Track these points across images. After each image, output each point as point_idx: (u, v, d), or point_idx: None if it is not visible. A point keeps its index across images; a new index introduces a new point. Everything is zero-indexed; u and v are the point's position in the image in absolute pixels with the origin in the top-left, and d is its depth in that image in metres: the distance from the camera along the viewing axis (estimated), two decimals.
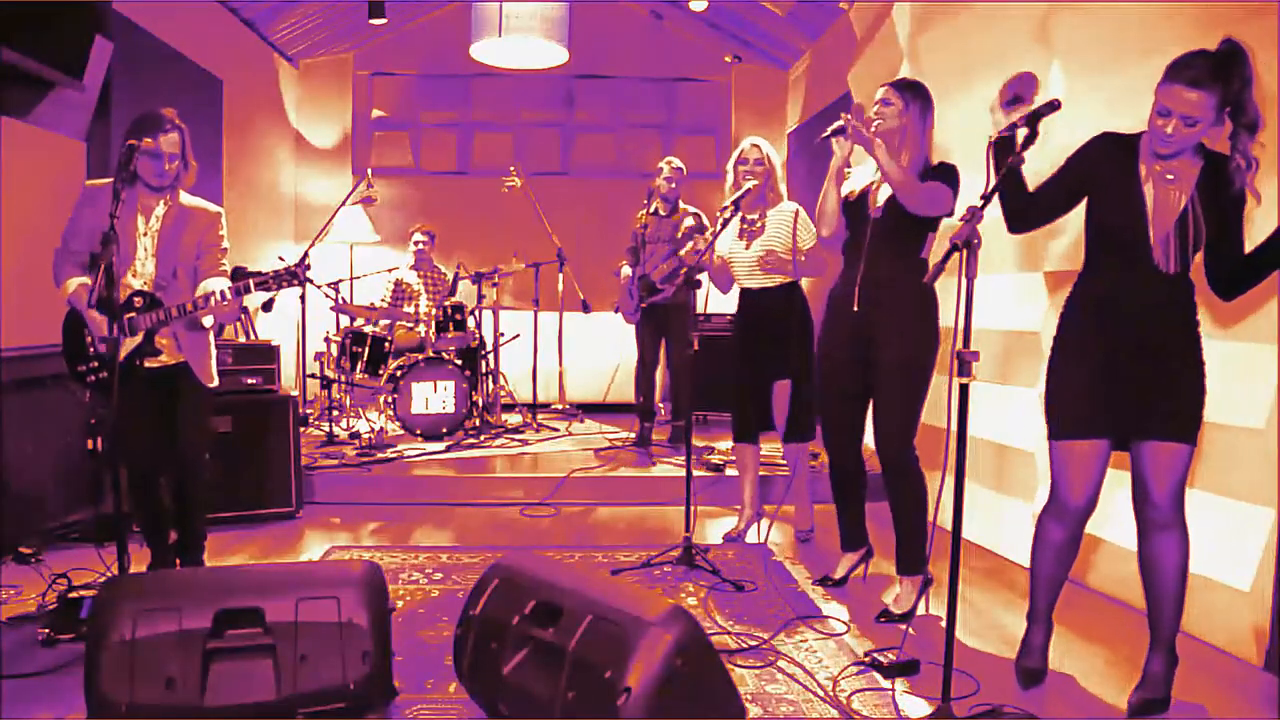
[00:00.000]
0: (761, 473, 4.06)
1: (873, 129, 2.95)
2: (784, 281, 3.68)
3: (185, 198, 3.04)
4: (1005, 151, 2.35)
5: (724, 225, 3.60)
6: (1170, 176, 2.29)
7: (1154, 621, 2.41)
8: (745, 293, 3.79)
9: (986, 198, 2.25)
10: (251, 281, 2.85)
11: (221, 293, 2.85)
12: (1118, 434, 2.39)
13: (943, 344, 4.31)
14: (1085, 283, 2.45)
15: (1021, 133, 2.26)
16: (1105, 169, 2.37)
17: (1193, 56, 2.18)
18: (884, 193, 2.99)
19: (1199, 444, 2.35)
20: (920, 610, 3.04)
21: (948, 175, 2.93)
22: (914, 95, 2.96)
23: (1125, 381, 2.34)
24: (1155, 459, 2.33)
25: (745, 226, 3.72)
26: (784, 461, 4.82)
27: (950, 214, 2.94)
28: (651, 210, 5.12)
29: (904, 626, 2.85)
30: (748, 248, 3.69)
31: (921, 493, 3.02)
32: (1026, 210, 2.49)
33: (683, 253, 4.89)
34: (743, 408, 3.83)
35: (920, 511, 3.02)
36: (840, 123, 2.96)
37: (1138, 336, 2.32)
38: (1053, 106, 2.24)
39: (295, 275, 2.88)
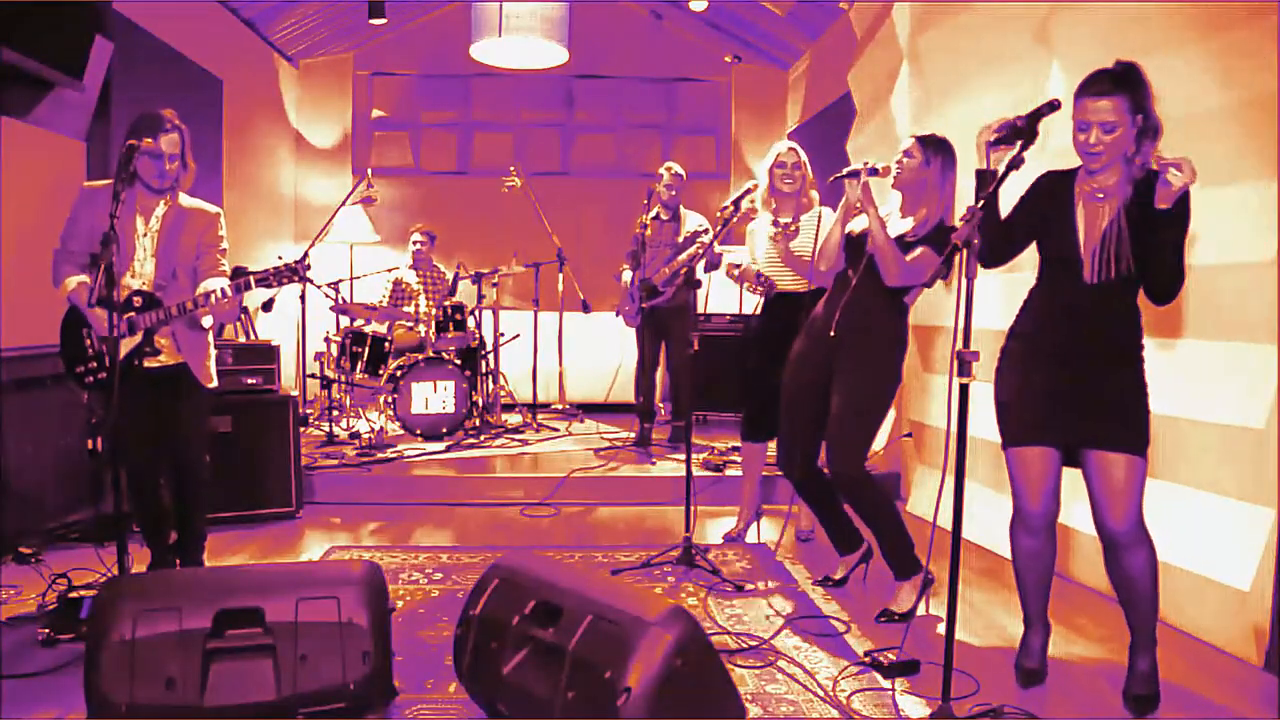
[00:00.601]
0: (762, 473, 4.05)
1: (892, 179, 3.00)
2: (812, 287, 3.69)
3: (184, 199, 3.04)
4: (986, 184, 2.39)
5: (724, 226, 3.61)
6: (1100, 195, 2.36)
7: (1132, 623, 2.42)
8: (778, 295, 3.78)
9: (987, 200, 2.26)
10: (252, 278, 2.86)
11: (221, 290, 2.85)
12: (1064, 443, 2.42)
13: (939, 348, 4.33)
14: (1032, 297, 2.52)
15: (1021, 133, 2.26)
16: (1046, 202, 2.46)
17: (1094, 74, 2.31)
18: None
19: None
20: (920, 610, 3.04)
21: (945, 242, 2.91)
22: (937, 151, 2.96)
23: (1066, 394, 2.38)
24: (1103, 474, 2.34)
25: (779, 230, 3.72)
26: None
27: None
28: (652, 214, 5.13)
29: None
30: (782, 251, 3.69)
31: (884, 500, 3.05)
32: (995, 248, 2.53)
33: (682, 257, 4.90)
34: (758, 408, 3.83)
35: (890, 518, 3.04)
36: (856, 167, 3.02)
37: (1076, 350, 2.38)
38: (1053, 106, 2.24)
39: (295, 272, 2.88)
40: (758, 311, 4.14)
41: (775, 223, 3.73)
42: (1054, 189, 2.46)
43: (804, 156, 3.68)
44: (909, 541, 3.04)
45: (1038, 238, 2.49)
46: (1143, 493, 2.34)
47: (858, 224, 3.11)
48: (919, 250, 2.90)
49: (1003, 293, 3.78)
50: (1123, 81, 2.27)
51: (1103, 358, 2.36)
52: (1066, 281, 2.41)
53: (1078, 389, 2.37)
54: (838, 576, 3.35)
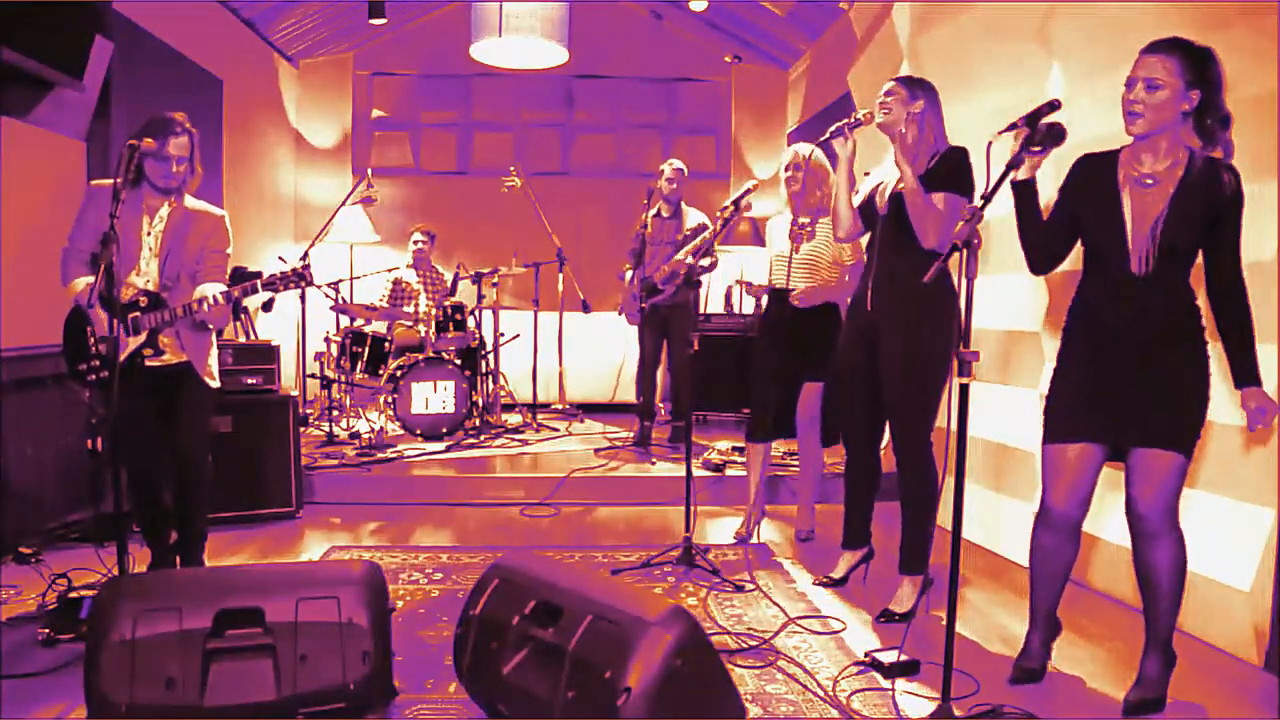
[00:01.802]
0: (766, 473, 4.05)
1: (876, 122, 2.97)
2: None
3: (189, 200, 3.04)
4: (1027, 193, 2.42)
5: (724, 225, 3.61)
6: (1149, 181, 2.30)
7: (1149, 621, 2.41)
8: (783, 293, 3.77)
9: (986, 198, 2.25)
10: (259, 283, 2.86)
11: (214, 297, 2.86)
12: (1109, 440, 2.38)
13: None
14: (1079, 291, 2.48)
15: (1021, 133, 2.26)
16: (1087, 187, 2.40)
17: (1164, 38, 2.27)
18: (889, 190, 3.01)
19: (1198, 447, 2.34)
20: (920, 611, 3.03)
21: (959, 174, 2.87)
22: (918, 85, 2.95)
23: (1115, 389, 2.34)
24: (1142, 466, 2.31)
25: (796, 229, 3.72)
26: (788, 462, 4.82)
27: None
28: (654, 212, 5.13)
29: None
30: (796, 251, 3.69)
31: (934, 493, 3.01)
32: (1043, 252, 2.49)
33: (680, 254, 4.91)
34: (764, 407, 3.83)
35: (930, 511, 3.02)
36: (840, 123, 3.02)
37: (1125, 345, 2.33)
38: (1053, 107, 2.24)
39: (302, 277, 2.87)
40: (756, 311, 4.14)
41: (794, 222, 3.73)
42: (1095, 173, 2.39)
43: (816, 156, 3.57)
44: (930, 536, 3.02)
45: (1081, 227, 2.42)
46: (1179, 489, 2.31)
47: (864, 188, 3.11)
48: (938, 196, 2.85)
49: (1014, 293, 3.79)
50: (1185, 48, 2.21)
51: (1152, 346, 2.28)
52: (1113, 271, 2.34)
53: (1125, 383, 2.32)
54: (837, 575, 3.35)
